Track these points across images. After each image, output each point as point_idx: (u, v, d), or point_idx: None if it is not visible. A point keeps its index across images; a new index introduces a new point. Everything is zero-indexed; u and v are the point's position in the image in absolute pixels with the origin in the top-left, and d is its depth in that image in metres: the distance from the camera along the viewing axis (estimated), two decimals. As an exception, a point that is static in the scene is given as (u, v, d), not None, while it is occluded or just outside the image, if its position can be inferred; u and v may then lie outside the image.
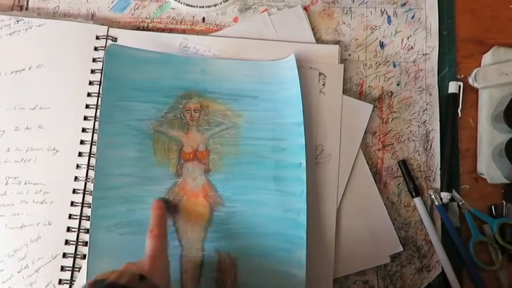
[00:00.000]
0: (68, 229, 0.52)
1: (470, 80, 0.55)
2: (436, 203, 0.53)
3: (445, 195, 0.53)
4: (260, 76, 0.54)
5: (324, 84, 0.54)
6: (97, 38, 0.56)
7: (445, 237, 0.52)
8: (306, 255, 0.48)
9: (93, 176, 0.51)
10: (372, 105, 0.54)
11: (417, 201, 0.53)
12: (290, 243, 0.49)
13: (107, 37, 0.56)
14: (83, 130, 0.54)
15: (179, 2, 0.58)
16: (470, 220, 0.52)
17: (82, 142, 0.53)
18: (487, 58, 0.55)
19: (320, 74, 0.54)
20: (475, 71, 0.54)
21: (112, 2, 0.59)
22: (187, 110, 0.53)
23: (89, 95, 0.54)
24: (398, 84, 0.56)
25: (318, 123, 0.53)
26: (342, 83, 0.54)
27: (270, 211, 0.51)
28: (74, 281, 0.51)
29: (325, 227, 0.51)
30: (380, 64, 0.57)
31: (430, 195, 0.53)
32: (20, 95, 0.54)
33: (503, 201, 0.53)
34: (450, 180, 0.53)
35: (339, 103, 0.54)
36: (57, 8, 0.59)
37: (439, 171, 0.54)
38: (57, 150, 0.53)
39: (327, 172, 0.52)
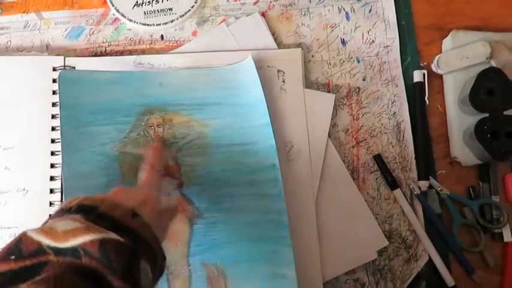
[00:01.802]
0: (49, 269, 0.50)
1: (434, 67, 0.55)
2: (415, 192, 0.53)
3: (423, 184, 0.53)
4: (220, 82, 0.53)
5: (284, 81, 0.54)
6: (54, 69, 0.54)
7: (428, 224, 0.53)
8: (293, 253, 0.48)
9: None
10: (333, 95, 0.55)
11: (397, 193, 0.53)
12: (276, 244, 0.49)
13: (64, 67, 0.54)
14: (52, 166, 0.52)
15: (135, 22, 0.57)
16: (450, 205, 0.53)
17: (52, 178, 0.52)
18: (447, 43, 0.56)
19: (278, 71, 0.54)
20: (436, 57, 0.55)
21: (66, 30, 0.58)
22: (151, 126, 0.52)
23: (53, 129, 0.53)
24: (364, 79, 0.56)
25: (284, 120, 0.53)
26: (303, 77, 0.54)
27: (251, 216, 0.50)
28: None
29: (306, 225, 0.51)
30: (344, 61, 0.57)
31: (409, 185, 0.54)
32: (-20, 138, 0.52)
33: (480, 182, 0.54)
34: (426, 168, 0.54)
35: (301, 97, 0.54)
36: (9, 42, 0.57)
37: (414, 161, 0.54)
38: (27, 191, 0.51)
39: (300, 167, 0.52)
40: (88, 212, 0.33)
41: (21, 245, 0.30)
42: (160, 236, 0.37)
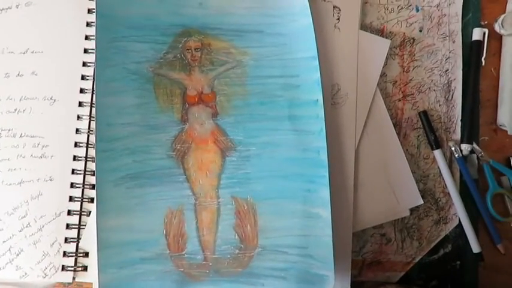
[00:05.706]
0: (72, 185, 0.48)
1: (497, 27, 0.52)
2: (456, 155, 0.51)
3: (466, 147, 0.51)
4: (264, 8, 0.50)
5: (338, 19, 0.51)
6: (93, -26, 0.49)
7: (462, 189, 0.52)
8: (330, 193, 0.46)
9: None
10: (390, 41, 0.51)
11: (437, 153, 0.51)
12: (312, 183, 0.47)
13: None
14: (82, 77, 0.49)
15: None
16: (488, 172, 0.52)
17: (82, 91, 0.49)
18: (513, 3, 0.53)
19: (334, 7, 0.51)
20: (501, 16, 0.52)
21: None
22: (188, 49, 0.49)
23: (86, 38, 0.49)
24: (420, 31, 0.53)
25: (332, 61, 0.50)
26: (359, 17, 0.51)
27: (287, 152, 0.48)
28: (80, 238, 0.48)
29: (343, 171, 0.49)
30: (402, 8, 0.53)
31: (450, 147, 0.52)
32: (7, 37, 0.48)
33: (522, 153, 0.53)
34: (470, 131, 0.52)
35: (355, 39, 0.51)
36: None
37: (459, 123, 0.52)
38: (54, 100, 0.48)
39: (344, 113, 0.50)
40: None
41: None
42: None
